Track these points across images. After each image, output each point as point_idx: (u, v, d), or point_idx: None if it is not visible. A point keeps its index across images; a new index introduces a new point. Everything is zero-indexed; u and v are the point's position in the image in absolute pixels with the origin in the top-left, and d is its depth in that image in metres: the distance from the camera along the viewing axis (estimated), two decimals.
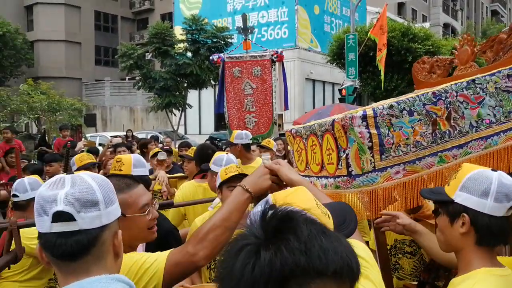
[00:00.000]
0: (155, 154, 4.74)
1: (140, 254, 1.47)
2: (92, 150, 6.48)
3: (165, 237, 2.19)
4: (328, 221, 1.06)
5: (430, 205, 2.11)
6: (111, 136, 12.70)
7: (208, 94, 22.93)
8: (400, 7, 36.31)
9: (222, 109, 7.65)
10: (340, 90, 15.49)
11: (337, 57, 17.90)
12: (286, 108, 7.81)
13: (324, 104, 23.00)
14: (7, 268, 2.10)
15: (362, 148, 1.72)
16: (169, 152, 5.24)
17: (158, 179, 4.05)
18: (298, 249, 0.70)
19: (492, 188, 1.33)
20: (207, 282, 2.45)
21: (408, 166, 1.76)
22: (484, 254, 1.36)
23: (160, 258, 1.41)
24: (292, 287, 0.69)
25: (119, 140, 9.89)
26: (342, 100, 14.80)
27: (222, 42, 16.04)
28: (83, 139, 13.09)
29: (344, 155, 1.80)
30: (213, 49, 15.30)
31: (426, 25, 22.88)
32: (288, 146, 2.48)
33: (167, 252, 1.45)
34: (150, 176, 3.65)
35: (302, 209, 0.86)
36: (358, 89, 15.72)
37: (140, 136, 15.55)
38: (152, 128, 25.11)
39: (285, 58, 8.02)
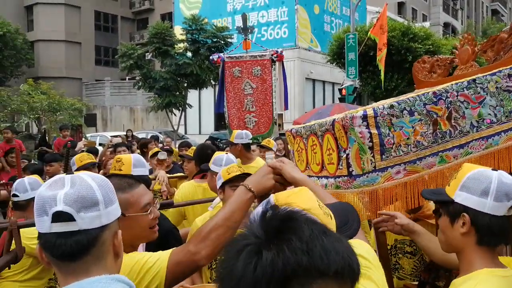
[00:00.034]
0: (155, 153, 4.75)
1: (142, 254, 1.47)
2: (92, 150, 6.47)
3: (165, 236, 2.18)
4: (330, 222, 1.06)
5: (430, 205, 2.10)
6: (111, 136, 12.68)
7: (208, 94, 22.92)
8: (400, 6, 36.28)
9: (222, 109, 7.65)
10: (340, 90, 15.49)
11: (337, 56, 17.89)
12: (286, 107, 7.81)
13: (324, 103, 22.98)
14: (7, 268, 2.10)
15: (362, 148, 1.72)
16: (169, 152, 5.24)
17: (158, 179, 4.05)
18: (300, 249, 0.70)
19: (492, 187, 1.32)
20: (208, 282, 2.45)
21: (409, 166, 1.76)
22: (485, 254, 1.35)
23: (162, 257, 1.41)
24: (294, 287, 0.69)
25: (119, 140, 9.87)
26: (342, 99, 14.80)
27: (222, 42, 16.03)
28: (83, 139, 13.12)
29: (345, 155, 1.80)
30: (213, 49, 15.29)
31: (426, 24, 22.88)
32: (289, 146, 2.48)
33: (169, 251, 1.44)
34: (150, 176, 3.65)
35: (303, 209, 0.86)
36: (358, 89, 15.70)
37: (140, 136, 15.53)
38: (152, 128, 25.10)
39: (285, 57, 8.02)
